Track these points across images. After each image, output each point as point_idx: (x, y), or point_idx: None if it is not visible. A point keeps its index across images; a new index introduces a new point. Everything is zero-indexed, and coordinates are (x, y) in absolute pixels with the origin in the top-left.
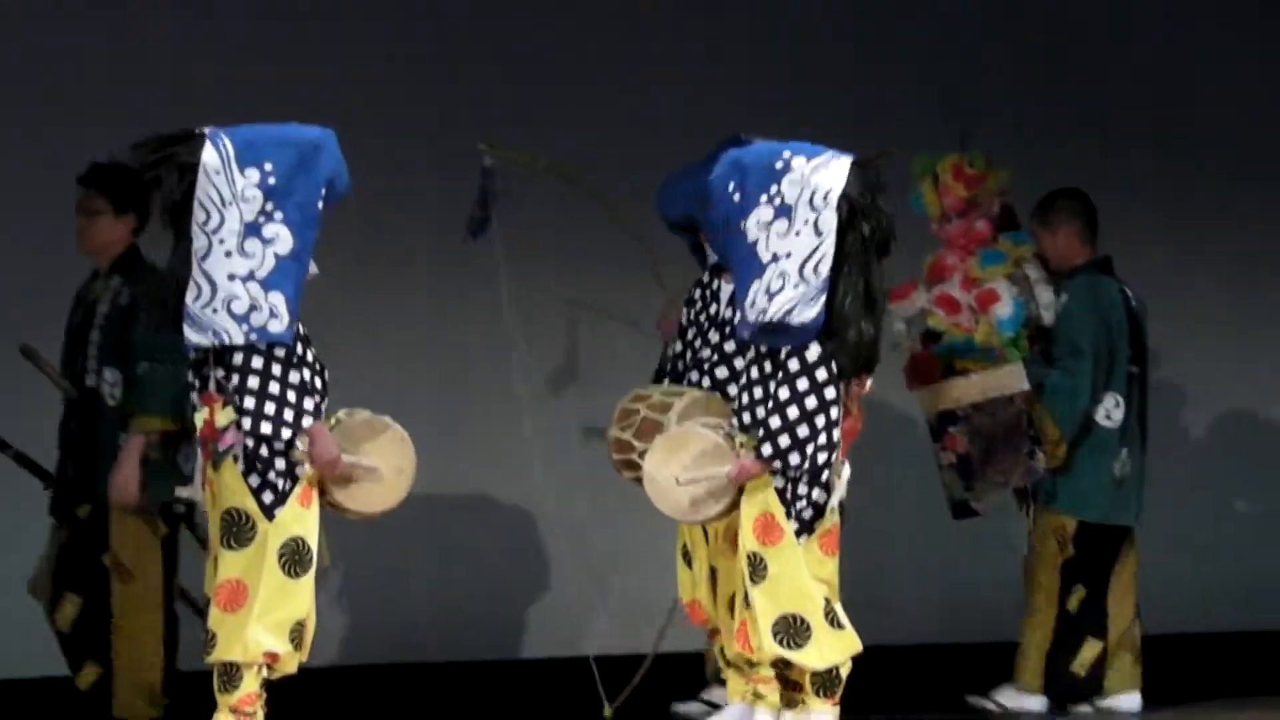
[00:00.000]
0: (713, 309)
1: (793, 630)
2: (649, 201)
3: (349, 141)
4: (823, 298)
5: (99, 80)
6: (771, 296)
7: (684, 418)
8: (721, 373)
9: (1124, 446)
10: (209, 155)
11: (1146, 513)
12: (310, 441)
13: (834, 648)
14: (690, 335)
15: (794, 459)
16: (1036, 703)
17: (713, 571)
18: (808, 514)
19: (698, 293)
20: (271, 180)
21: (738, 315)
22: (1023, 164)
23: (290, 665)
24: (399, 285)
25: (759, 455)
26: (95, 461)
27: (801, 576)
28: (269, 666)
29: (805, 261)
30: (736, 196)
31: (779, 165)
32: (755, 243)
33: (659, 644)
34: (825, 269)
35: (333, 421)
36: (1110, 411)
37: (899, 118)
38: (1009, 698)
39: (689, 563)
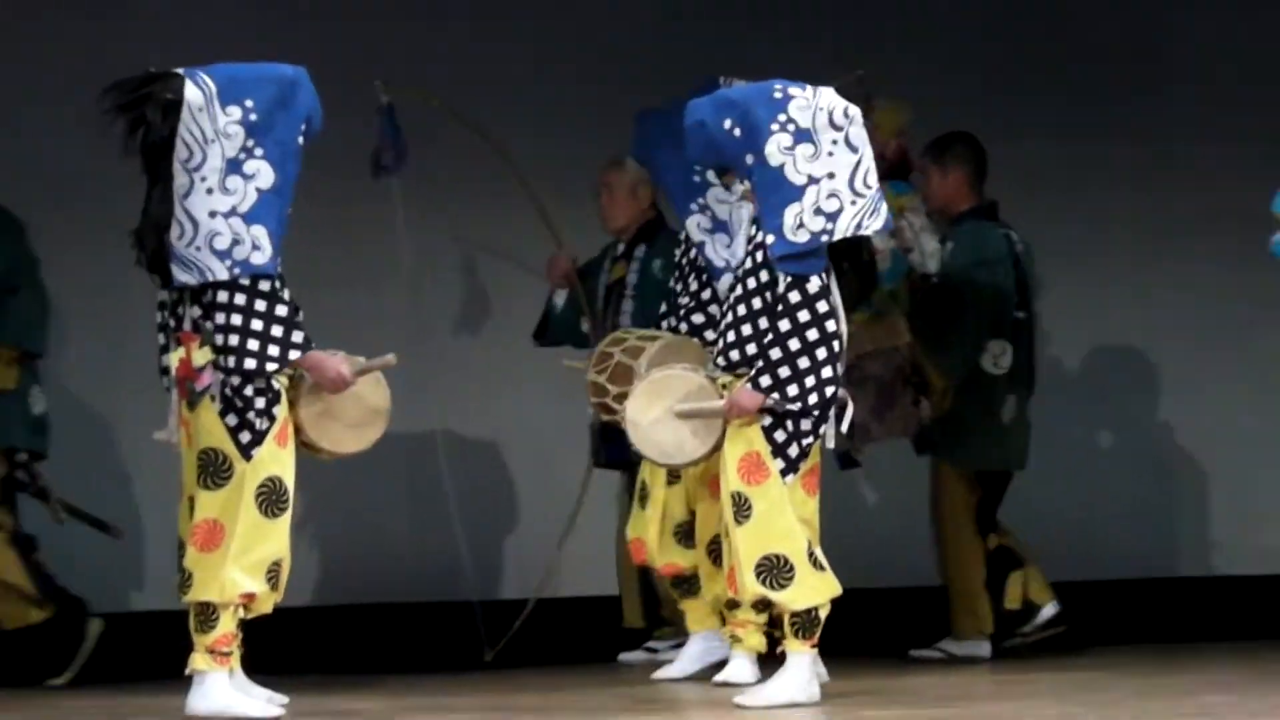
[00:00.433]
0: (692, 253)
1: (776, 570)
2: (544, 144)
3: None
4: (884, 205)
5: None
6: (832, 217)
7: (655, 363)
8: (698, 318)
9: (1011, 393)
10: (192, 93)
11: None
12: (312, 368)
13: (815, 589)
14: (676, 278)
15: (792, 390)
16: (982, 648)
17: (691, 515)
18: (794, 453)
19: (684, 235)
20: (253, 116)
21: (770, 237)
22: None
23: (266, 605)
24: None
25: (756, 387)
26: None
27: (786, 517)
28: (245, 607)
29: (853, 176)
30: (738, 131)
31: (778, 95)
32: (781, 166)
33: (541, 590)
34: (874, 180)
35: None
36: (997, 358)
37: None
38: (956, 647)
39: (643, 502)
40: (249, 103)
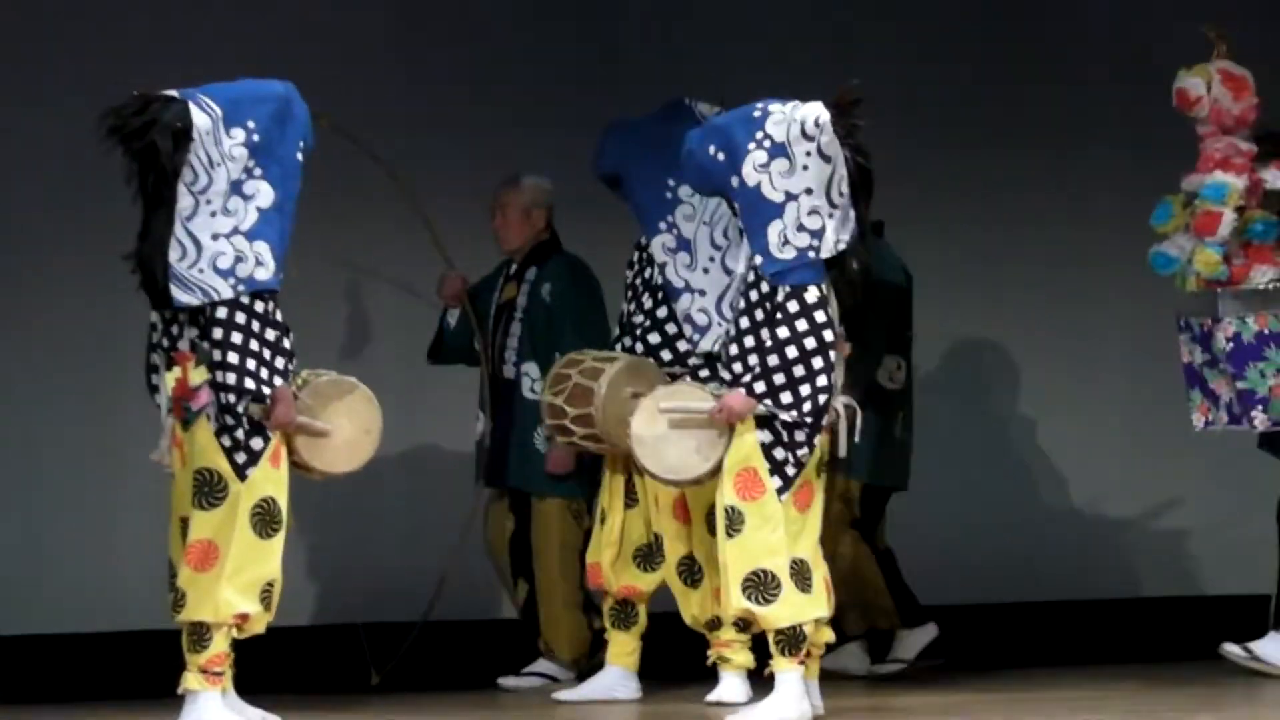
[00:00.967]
0: (646, 273)
1: (762, 586)
2: (432, 163)
3: None
4: (852, 214)
5: None
6: (816, 234)
7: (614, 384)
8: (654, 338)
9: (902, 409)
10: (200, 119)
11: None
12: (273, 402)
13: (798, 607)
14: (626, 300)
15: (785, 398)
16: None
17: (657, 538)
18: (790, 471)
19: (635, 255)
20: (255, 137)
21: (757, 258)
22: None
23: (259, 625)
24: None
25: (750, 393)
26: None
27: (777, 533)
28: (238, 627)
29: (828, 188)
30: (721, 156)
31: (757, 115)
32: (758, 185)
33: (429, 613)
34: (846, 188)
35: (299, 381)
36: (893, 374)
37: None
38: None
39: (602, 524)
40: (251, 124)
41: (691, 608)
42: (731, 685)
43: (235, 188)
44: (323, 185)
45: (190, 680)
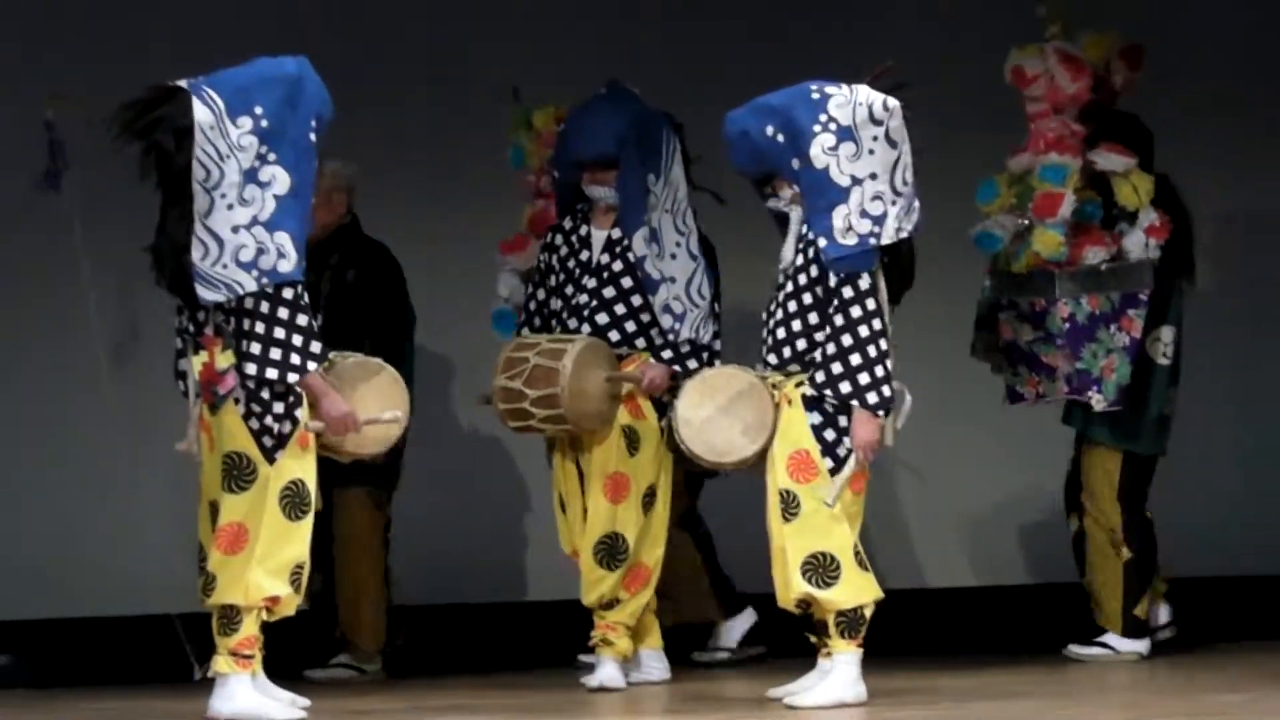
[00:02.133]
0: (583, 255)
1: (822, 569)
2: None
3: None
4: (917, 203)
5: None
6: (878, 220)
7: (580, 363)
8: (602, 319)
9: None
10: (202, 113)
11: None
12: (315, 398)
13: (860, 588)
14: (556, 281)
15: (844, 388)
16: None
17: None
18: (842, 451)
19: (559, 238)
20: (264, 124)
21: (821, 241)
22: None
23: (289, 608)
24: None
25: (812, 383)
26: None
27: (834, 515)
28: (268, 610)
29: (893, 174)
30: (781, 137)
31: (816, 96)
32: (826, 168)
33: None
34: (911, 176)
35: (325, 364)
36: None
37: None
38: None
39: (566, 513)
40: (258, 110)
41: (600, 586)
42: (611, 670)
43: (250, 176)
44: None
45: (220, 663)
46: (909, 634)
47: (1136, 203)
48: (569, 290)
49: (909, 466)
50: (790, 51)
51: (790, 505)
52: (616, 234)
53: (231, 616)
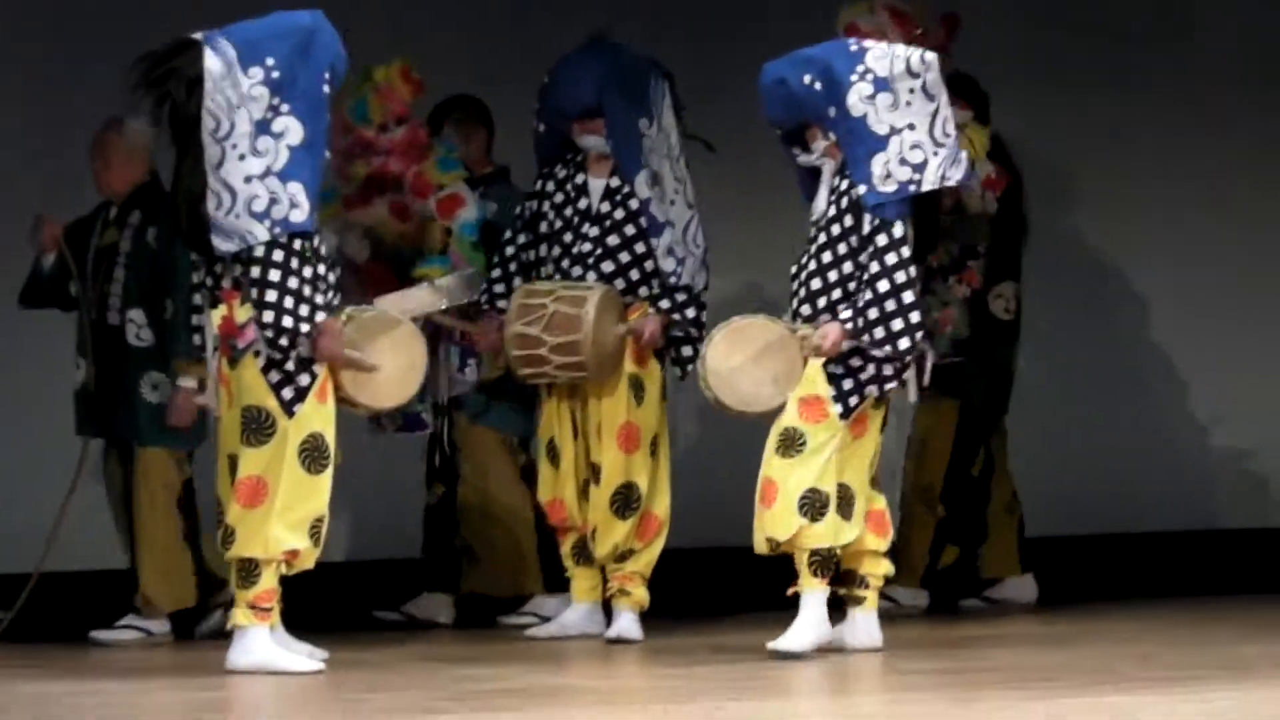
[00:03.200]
0: (581, 203)
1: (815, 506)
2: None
3: None
4: (964, 154)
5: None
6: (918, 168)
7: (602, 309)
8: (607, 266)
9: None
10: (212, 62)
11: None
12: (319, 334)
13: (839, 529)
14: (550, 229)
15: (878, 333)
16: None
17: (593, 469)
18: (854, 400)
19: (551, 185)
20: (275, 74)
21: (860, 188)
22: None
23: (309, 561)
24: None
25: (842, 322)
26: None
27: (832, 459)
28: (288, 563)
29: (932, 125)
30: (819, 85)
31: (853, 49)
32: (864, 117)
33: (42, 563)
34: (953, 128)
35: (344, 317)
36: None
37: None
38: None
39: (554, 460)
40: (269, 61)
41: (615, 536)
42: (628, 621)
43: (262, 127)
44: None
45: (239, 616)
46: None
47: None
48: (567, 238)
49: None
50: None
51: (795, 443)
52: (615, 182)
53: (250, 569)
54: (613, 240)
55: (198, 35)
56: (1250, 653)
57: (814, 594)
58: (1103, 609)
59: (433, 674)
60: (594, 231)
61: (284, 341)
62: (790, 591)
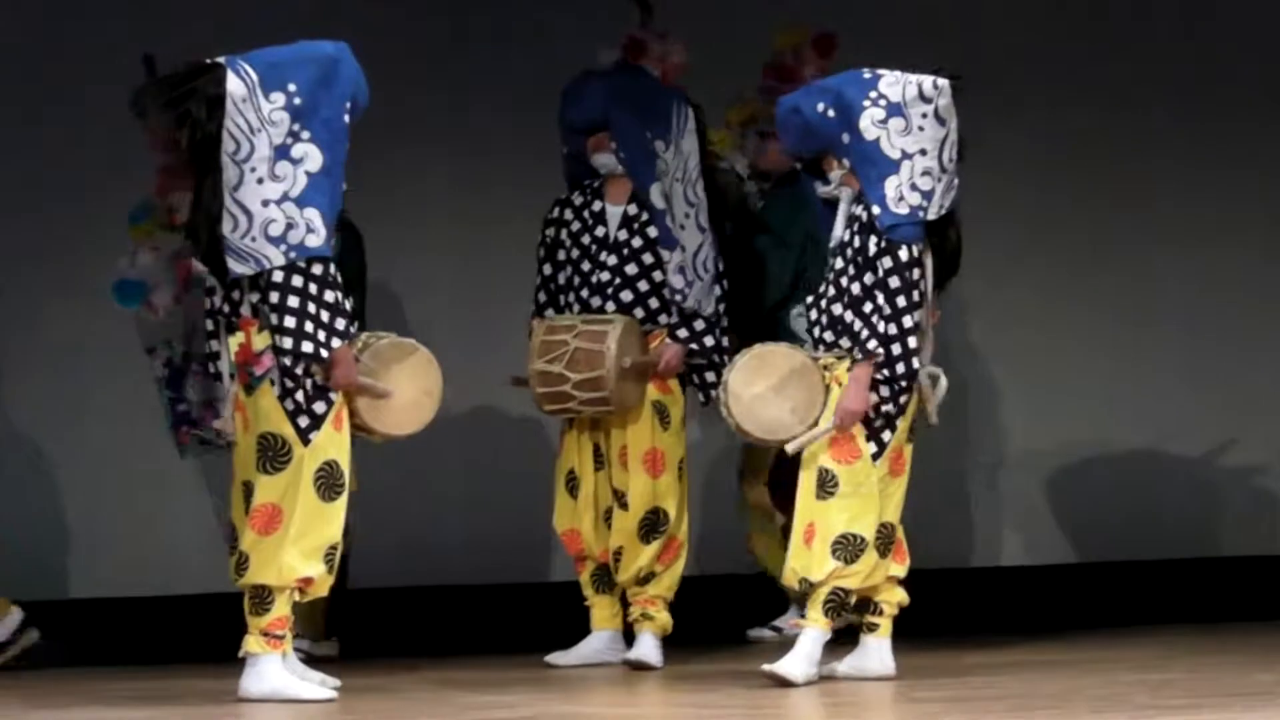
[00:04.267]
0: (599, 231)
1: (851, 549)
2: None
3: None
4: (956, 180)
5: None
6: (927, 195)
7: (623, 342)
8: (626, 296)
9: None
10: (234, 84)
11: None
12: (332, 363)
13: (874, 569)
14: (568, 257)
15: (873, 345)
16: None
17: (617, 494)
18: (886, 435)
19: (569, 213)
20: (297, 100)
21: (875, 209)
22: None
23: (322, 588)
24: None
25: (865, 355)
26: None
27: (870, 499)
28: (301, 590)
29: (940, 150)
30: (832, 113)
31: (866, 76)
32: (876, 140)
33: None
34: (956, 154)
35: (359, 344)
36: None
37: None
38: None
39: (572, 491)
40: (291, 87)
41: (640, 560)
42: (649, 645)
43: (281, 152)
44: None
45: (251, 643)
46: (939, 613)
47: None
48: (585, 267)
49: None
50: None
51: (828, 484)
52: (633, 210)
53: (264, 597)
54: (631, 269)
55: (220, 59)
56: (1266, 680)
57: (815, 630)
58: (1115, 636)
59: (445, 701)
60: (612, 261)
61: (301, 368)
62: (793, 623)
